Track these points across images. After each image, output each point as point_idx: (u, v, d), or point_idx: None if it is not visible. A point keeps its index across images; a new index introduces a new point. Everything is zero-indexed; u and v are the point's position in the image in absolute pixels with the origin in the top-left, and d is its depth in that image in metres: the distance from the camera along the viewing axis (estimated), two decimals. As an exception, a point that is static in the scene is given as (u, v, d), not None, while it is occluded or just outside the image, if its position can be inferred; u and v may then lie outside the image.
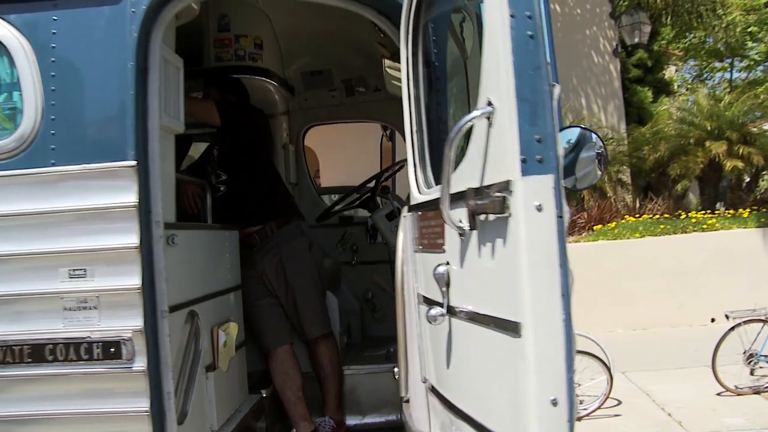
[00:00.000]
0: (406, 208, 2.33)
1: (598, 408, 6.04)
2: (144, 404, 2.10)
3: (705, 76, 21.09)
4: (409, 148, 2.21)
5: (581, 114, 11.56)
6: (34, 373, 2.13)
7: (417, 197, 2.16)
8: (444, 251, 1.85)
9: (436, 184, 2.02)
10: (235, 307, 3.11)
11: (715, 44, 17.49)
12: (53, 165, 2.16)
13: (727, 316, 5.90)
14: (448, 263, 1.81)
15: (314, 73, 4.57)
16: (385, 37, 2.62)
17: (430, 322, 1.82)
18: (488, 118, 1.50)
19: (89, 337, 2.13)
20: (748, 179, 10.85)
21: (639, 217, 9.64)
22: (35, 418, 2.15)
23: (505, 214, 1.44)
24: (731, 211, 9.33)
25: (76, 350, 2.13)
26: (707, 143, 9.88)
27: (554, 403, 1.37)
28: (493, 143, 1.50)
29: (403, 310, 2.27)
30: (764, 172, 10.92)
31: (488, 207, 1.47)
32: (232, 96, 3.79)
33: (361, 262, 4.49)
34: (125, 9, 2.16)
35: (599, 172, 1.94)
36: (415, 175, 2.20)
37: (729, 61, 19.24)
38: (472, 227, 1.58)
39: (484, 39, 1.53)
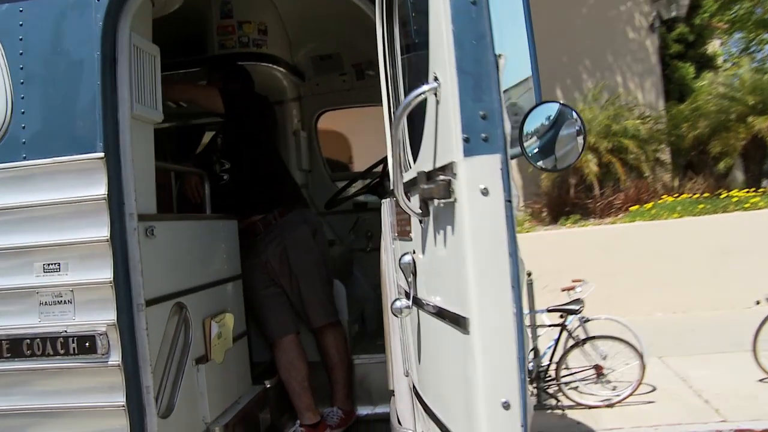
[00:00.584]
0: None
1: (631, 394, 5.83)
2: (120, 399, 2.06)
3: (752, 49, 20.09)
4: (388, 128, 2.09)
5: (616, 92, 11.15)
6: (13, 368, 2.11)
7: (393, 180, 2.04)
8: (411, 239, 1.73)
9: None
10: (233, 297, 3.05)
11: (764, 14, 16.63)
12: (25, 159, 2.12)
13: (769, 299, 5.61)
14: (414, 252, 1.70)
15: (324, 58, 4.47)
16: None
17: (395, 315, 1.70)
18: (435, 95, 1.37)
19: (65, 331, 2.09)
20: (795, 155, 10.31)
21: (678, 196, 9.26)
22: (14, 413, 2.12)
23: (451, 199, 1.31)
24: (777, 190, 8.89)
25: (53, 345, 2.09)
26: (749, 119, 9.40)
27: (506, 406, 1.25)
28: (441, 122, 1.37)
29: (387, 300, 2.17)
30: (813, 148, 10.37)
31: (434, 192, 1.34)
32: (236, 83, 3.72)
33: (376, 249, 4.37)
34: (90, -2, 2.10)
35: (580, 150, 1.78)
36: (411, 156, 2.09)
37: (779, 31, 18.27)
38: (425, 213, 1.46)
39: (429, 7, 1.39)
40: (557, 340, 5.91)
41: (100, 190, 2.06)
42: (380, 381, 3.65)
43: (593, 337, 5.98)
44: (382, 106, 5.19)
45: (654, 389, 6.09)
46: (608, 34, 11.33)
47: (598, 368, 5.96)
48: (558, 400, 6.03)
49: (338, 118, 6.38)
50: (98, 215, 2.06)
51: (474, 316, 1.24)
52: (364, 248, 4.43)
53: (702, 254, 8.31)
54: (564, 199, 10.71)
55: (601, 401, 5.91)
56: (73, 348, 2.07)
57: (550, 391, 6.09)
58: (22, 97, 2.13)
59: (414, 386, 1.89)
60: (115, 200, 2.10)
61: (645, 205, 9.17)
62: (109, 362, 2.06)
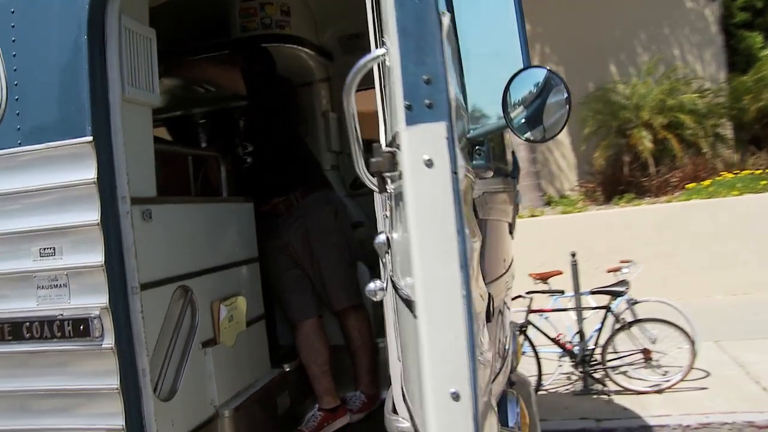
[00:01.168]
0: None
1: (681, 380, 5.55)
2: (114, 381, 2.05)
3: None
4: (379, 102, 1.98)
5: (673, 65, 10.59)
6: (13, 351, 2.13)
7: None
8: (388, 217, 1.64)
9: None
10: (248, 280, 3.02)
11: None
12: (20, 145, 2.13)
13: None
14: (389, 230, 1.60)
15: (351, 37, 4.37)
16: None
17: (370, 297, 1.61)
18: (386, 61, 1.26)
19: (61, 314, 2.10)
20: None
21: (738, 173, 8.73)
22: (14, 395, 2.15)
23: (396, 173, 1.20)
24: None
25: (50, 328, 2.10)
26: (818, 88, 8.76)
27: (455, 396, 1.14)
28: (391, 90, 1.26)
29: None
30: None
31: (381, 165, 1.24)
32: (258, 66, 3.68)
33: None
34: (76, -18, 2.07)
35: (565, 120, 1.63)
36: (385, 131, 1.98)
37: None
38: (381, 189, 1.36)
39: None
40: (602, 323, 5.68)
41: (90, 174, 2.05)
42: (407, 365, 3.59)
43: (640, 320, 5.72)
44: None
45: (708, 375, 5.79)
46: (664, 5, 10.75)
47: (646, 352, 5.70)
48: (604, 385, 5.81)
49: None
50: (89, 199, 2.05)
51: (419, 299, 1.14)
52: (394, 230, 4.35)
53: (764, 233, 7.81)
54: (618, 177, 10.30)
55: (650, 387, 5.66)
56: (69, 331, 2.08)
57: (597, 375, 5.88)
58: (16, 84, 2.13)
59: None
60: (106, 184, 2.08)
61: (702, 183, 8.69)
62: (103, 345, 2.06)
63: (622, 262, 6.20)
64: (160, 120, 5.09)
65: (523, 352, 5.97)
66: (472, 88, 1.74)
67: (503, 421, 2.61)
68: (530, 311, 5.86)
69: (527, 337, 5.87)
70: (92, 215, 2.05)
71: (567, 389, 6.14)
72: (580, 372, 5.89)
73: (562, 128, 1.63)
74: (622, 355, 5.80)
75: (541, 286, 6.16)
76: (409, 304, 1.30)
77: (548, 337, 5.89)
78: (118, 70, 2.14)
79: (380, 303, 3.86)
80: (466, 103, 1.81)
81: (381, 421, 2.36)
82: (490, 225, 2.53)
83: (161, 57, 2.49)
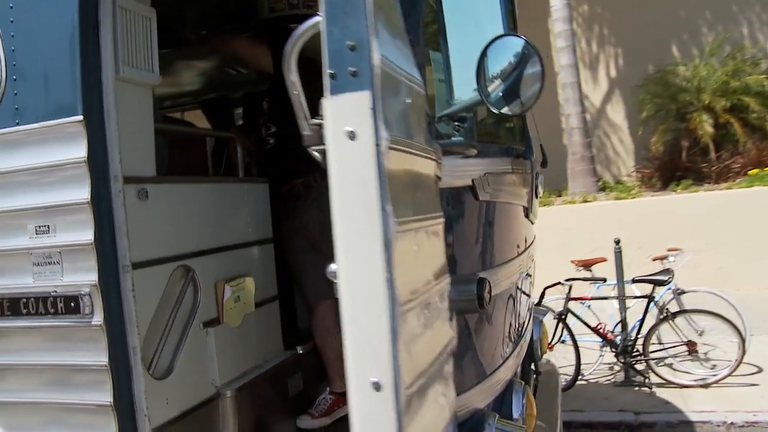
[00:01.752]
0: None
1: (728, 375, 5.26)
2: (103, 358, 2.05)
3: None
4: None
5: (740, 44, 9.95)
6: (12, 326, 2.17)
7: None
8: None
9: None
10: (260, 261, 2.98)
11: None
12: (17, 125, 2.14)
13: None
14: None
15: None
16: None
17: (331, 279, 1.53)
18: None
19: (55, 291, 2.11)
20: None
21: (807, 158, 8.16)
22: (12, 368, 2.19)
23: (322, 147, 1.11)
24: None
25: (44, 304, 2.12)
26: None
27: (376, 386, 1.04)
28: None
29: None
30: None
31: (311, 139, 1.15)
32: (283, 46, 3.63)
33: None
34: (67, -41, 2.05)
35: (537, 93, 1.50)
36: None
37: None
38: (324, 163, 1.27)
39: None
40: (645, 313, 5.43)
41: (81, 153, 2.04)
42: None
43: (686, 311, 5.43)
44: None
45: (759, 371, 5.47)
46: (732, -19, 10.12)
47: (691, 345, 5.42)
48: (646, 377, 5.56)
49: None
50: (80, 178, 2.04)
51: (341, 281, 1.05)
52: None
53: (832, 222, 7.29)
54: (676, 163, 9.81)
55: (694, 381, 5.38)
56: (61, 308, 2.08)
57: (638, 367, 5.63)
58: (14, 65, 2.14)
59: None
60: (98, 163, 2.07)
61: (766, 169, 8.15)
62: (93, 322, 2.05)
63: (670, 250, 5.89)
64: (196, 103, 5.15)
65: (563, 341, 5.78)
66: (456, 63, 1.64)
67: (506, 412, 2.49)
68: (569, 299, 5.66)
69: (566, 326, 5.67)
70: (83, 194, 2.04)
71: (608, 380, 5.91)
72: (622, 363, 5.66)
73: (534, 102, 1.50)
74: (666, 346, 5.54)
75: (584, 274, 5.92)
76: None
77: (588, 326, 5.68)
78: (112, 49, 2.12)
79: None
80: (450, 79, 1.70)
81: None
82: (495, 207, 2.39)
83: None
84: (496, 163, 2.36)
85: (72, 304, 2.07)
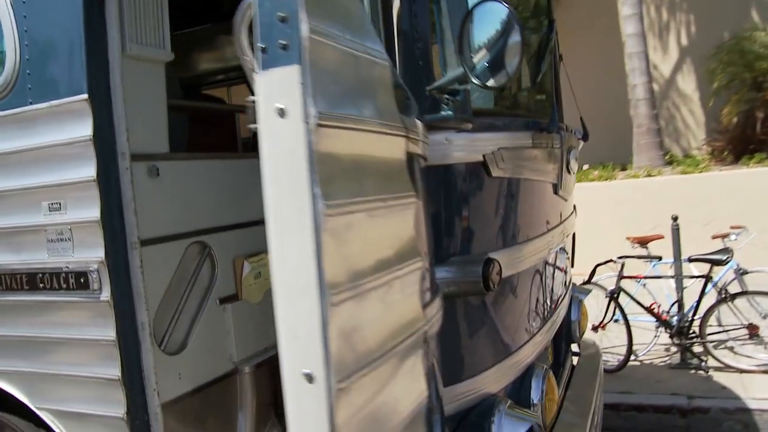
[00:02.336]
0: None
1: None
2: (111, 333, 2.05)
3: None
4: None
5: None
6: (30, 300, 2.20)
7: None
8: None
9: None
10: (284, 238, 2.94)
11: None
12: (30, 104, 2.14)
13: None
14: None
15: None
16: None
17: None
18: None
19: (67, 267, 2.12)
20: None
21: None
22: (28, 340, 2.23)
23: (257, 125, 1.02)
24: None
25: (57, 279, 2.14)
26: None
27: (309, 378, 0.96)
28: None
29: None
30: None
31: (248, 118, 1.06)
32: None
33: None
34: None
35: (515, 64, 1.34)
36: None
37: None
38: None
39: None
40: (701, 293, 5.09)
41: (87, 131, 2.03)
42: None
43: (746, 293, 5.06)
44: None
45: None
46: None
47: (752, 328, 5.05)
48: (703, 360, 5.25)
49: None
50: (86, 156, 2.03)
51: (274, 266, 0.97)
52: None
53: None
54: (749, 135, 9.14)
55: (756, 366, 5.03)
56: (72, 283, 2.10)
57: (696, 349, 5.31)
58: (26, 44, 2.15)
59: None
60: (105, 141, 2.05)
61: None
62: (101, 298, 2.06)
63: (733, 227, 5.49)
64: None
65: (615, 320, 5.52)
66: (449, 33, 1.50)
67: (525, 396, 2.36)
68: (621, 277, 5.38)
69: (618, 305, 5.40)
70: (89, 171, 2.03)
71: (662, 362, 5.61)
72: (677, 344, 5.35)
73: (513, 74, 1.35)
74: (726, 328, 5.19)
75: (639, 251, 5.61)
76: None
77: (641, 306, 5.39)
78: (118, 27, 2.08)
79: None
80: (445, 54, 1.57)
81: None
82: (513, 184, 2.24)
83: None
84: (513, 138, 2.20)
85: (82, 280, 2.08)
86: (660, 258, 5.39)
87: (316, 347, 0.94)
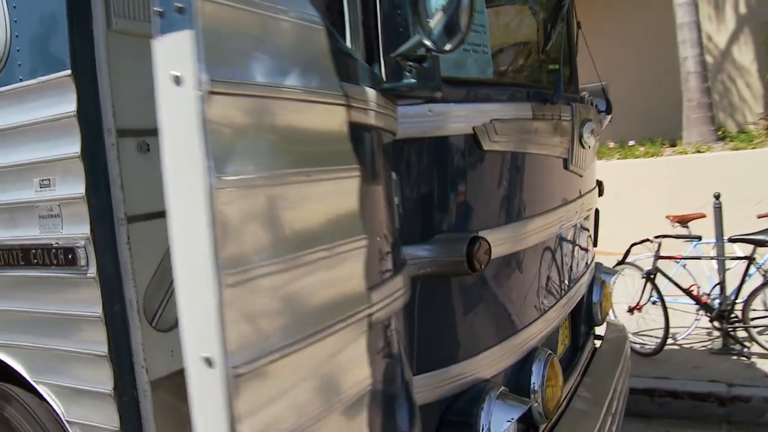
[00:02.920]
0: None
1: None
2: (98, 310, 2.04)
3: None
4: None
5: None
6: (23, 275, 2.22)
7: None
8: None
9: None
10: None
11: None
12: (20, 81, 2.14)
13: None
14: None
15: None
16: None
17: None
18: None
19: (57, 243, 2.12)
20: None
21: None
22: (21, 315, 2.25)
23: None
24: None
25: (48, 255, 2.15)
26: None
27: (208, 362, 0.89)
28: None
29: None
30: None
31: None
32: None
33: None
34: None
35: (467, 24, 1.22)
36: None
37: None
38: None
39: None
40: (744, 275, 4.81)
41: (71, 107, 2.00)
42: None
43: (791, 275, 4.74)
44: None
45: None
46: None
47: (799, 312, 4.73)
48: (745, 346, 4.97)
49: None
50: (71, 132, 2.01)
51: (172, 243, 0.90)
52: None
53: None
54: (810, 109, 8.54)
55: (803, 352, 4.73)
56: (61, 259, 2.10)
57: (739, 334, 5.03)
58: (16, 21, 2.13)
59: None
60: (89, 117, 2.02)
61: None
62: (88, 274, 2.05)
63: (781, 206, 5.15)
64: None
65: (653, 302, 5.28)
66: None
67: (524, 382, 2.25)
68: (658, 257, 5.13)
69: (655, 286, 5.17)
70: (74, 148, 2.01)
71: (703, 347, 5.35)
72: (718, 328, 5.09)
73: (465, 36, 1.23)
74: (770, 313, 4.90)
75: (679, 230, 5.34)
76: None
77: (679, 287, 5.14)
78: (103, 1, 2.05)
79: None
80: (407, 12, 1.46)
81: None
82: (510, 158, 2.11)
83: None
84: (509, 109, 2.06)
85: (70, 256, 2.08)
86: (700, 238, 5.11)
87: (213, 329, 0.87)
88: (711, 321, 5.07)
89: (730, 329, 4.95)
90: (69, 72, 1.99)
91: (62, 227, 2.10)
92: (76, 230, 2.05)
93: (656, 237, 5.14)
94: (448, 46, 1.28)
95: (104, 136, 2.06)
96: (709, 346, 5.25)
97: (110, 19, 2.07)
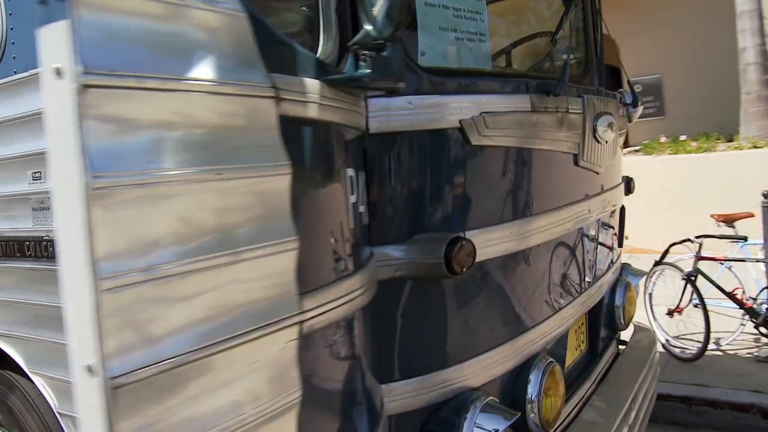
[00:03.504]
0: None
1: None
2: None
3: None
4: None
5: None
6: (20, 266, 2.23)
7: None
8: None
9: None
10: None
11: None
12: (15, 73, 2.14)
13: None
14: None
15: None
16: None
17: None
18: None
19: (47, 235, 2.12)
20: None
21: None
22: (18, 306, 2.26)
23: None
24: None
25: (39, 247, 2.15)
26: None
27: (89, 370, 0.83)
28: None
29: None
30: None
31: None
32: None
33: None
34: None
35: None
36: None
37: None
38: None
39: None
40: (791, 278, 4.48)
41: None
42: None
43: None
44: None
45: None
46: None
47: None
48: (794, 354, 4.64)
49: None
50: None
51: (57, 245, 0.84)
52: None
53: None
54: None
55: None
56: (51, 252, 2.10)
57: (788, 341, 4.70)
58: (11, 14, 2.14)
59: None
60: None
61: None
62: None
63: (833, 204, 4.78)
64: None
65: (695, 305, 5.01)
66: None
67: (519, 392, 2.13)
68: (698, 258, 4.85)
69: (695, 288, 4.89)
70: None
71: (749, 353, 5.04)
72: (765, 334, 4.77)
73: (400, 23, 1.13)
74: (823, 320, 4.56)
75: (724, 230, 5.04)
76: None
77: (722, 290, 4.84)
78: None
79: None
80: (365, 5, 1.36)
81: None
82: (505, 153, 1.99)
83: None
84: (502, 101, 1.94)
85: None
86: (746, 238, 4.80)
87: (91, 336, 0.81)
88: (757, 327, 4.76)
89: (778, 336, 4.64)
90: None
91: (53, 219, 2.10)
92: (65, 223, 2.05)
93: (697, 237, 4.86)
94: (387, 33, 1.18)
95: None
96: (755, 354, 4.94)
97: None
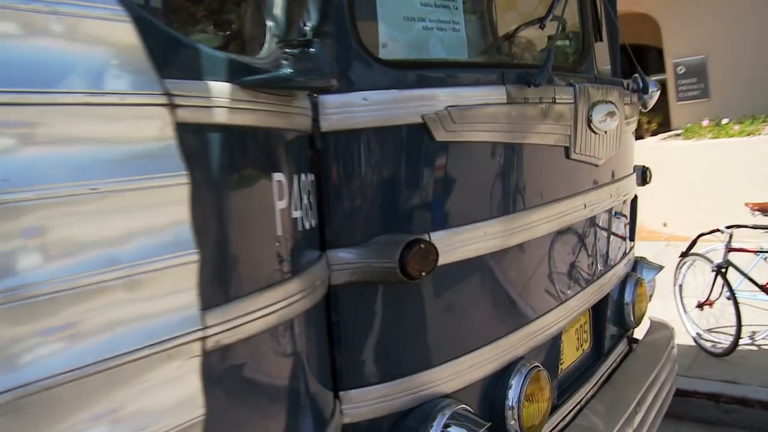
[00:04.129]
0: None
1: None
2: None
3: None
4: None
5: None
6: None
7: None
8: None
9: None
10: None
11: None
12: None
13: None
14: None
15: None
16: None
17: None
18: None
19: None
20: None
21: None
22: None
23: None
24: None
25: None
26: None
27: None
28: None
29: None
30: None
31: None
32: None
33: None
34: None
35: None
36: None
37: None
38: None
39: None
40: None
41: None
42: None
43: None
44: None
45: None
46: None
47: None
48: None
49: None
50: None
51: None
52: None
53: None
54: None
55: None
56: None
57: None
58: None
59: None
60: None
61: None
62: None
63: None
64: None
65: (728, 297, 4.76)
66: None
67: (499, 398, 2.04)
68: (729, 249, 4.60)
69: (726, 280, 4.65)
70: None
71: (787, 349, 4.78)
72: (802, 332, 4.50)
73: (329, 15, 1.04)
74: None
75: (759, 220, 4.77)
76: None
77: (754, 283, 4.59)
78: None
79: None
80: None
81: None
82: (472, 149, 1.88)
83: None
84: (471, 93, 1.83)
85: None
86: (776, 228, 4.54)
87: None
88: (791, 323, 4.50)
89: (816, 332, 4.37)
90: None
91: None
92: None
93: (728, 227, 4.61)
94: (313, 28, 1.10)
95: None
96: (793, 350, 4.68)
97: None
